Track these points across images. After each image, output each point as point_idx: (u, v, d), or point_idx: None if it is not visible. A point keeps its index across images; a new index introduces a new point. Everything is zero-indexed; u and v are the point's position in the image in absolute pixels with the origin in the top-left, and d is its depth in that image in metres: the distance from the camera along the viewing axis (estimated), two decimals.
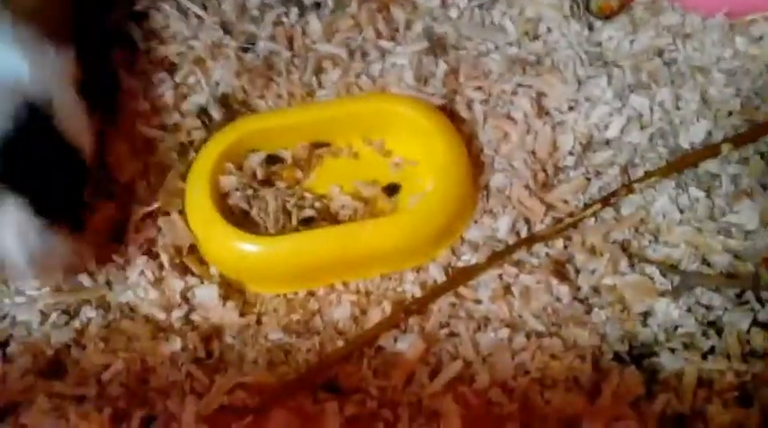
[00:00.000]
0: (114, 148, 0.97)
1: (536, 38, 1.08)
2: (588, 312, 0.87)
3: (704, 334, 0.85)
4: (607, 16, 1.09)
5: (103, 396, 0.79)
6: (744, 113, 1.00)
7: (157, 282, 0.89)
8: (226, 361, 0.84)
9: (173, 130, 0.99)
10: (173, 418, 0.79)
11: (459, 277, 0.89)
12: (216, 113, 0.99)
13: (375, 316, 0.87)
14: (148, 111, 1.00)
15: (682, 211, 0.93)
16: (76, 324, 0.87)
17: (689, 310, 0.86)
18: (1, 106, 0.68)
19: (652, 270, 0.89)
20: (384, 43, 1.07)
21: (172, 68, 1.04)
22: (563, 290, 0.87)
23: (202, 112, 1.00)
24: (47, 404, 0.79)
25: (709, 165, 0.96)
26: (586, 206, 0.93)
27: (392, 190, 0.96)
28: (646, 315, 0.87)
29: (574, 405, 0.79)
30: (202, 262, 0.91)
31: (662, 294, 0.87)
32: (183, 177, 0.95)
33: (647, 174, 0.95)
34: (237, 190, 0.93)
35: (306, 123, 0.98)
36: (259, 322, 0.88)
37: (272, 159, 0.97)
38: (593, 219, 0.93)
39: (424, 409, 0.80)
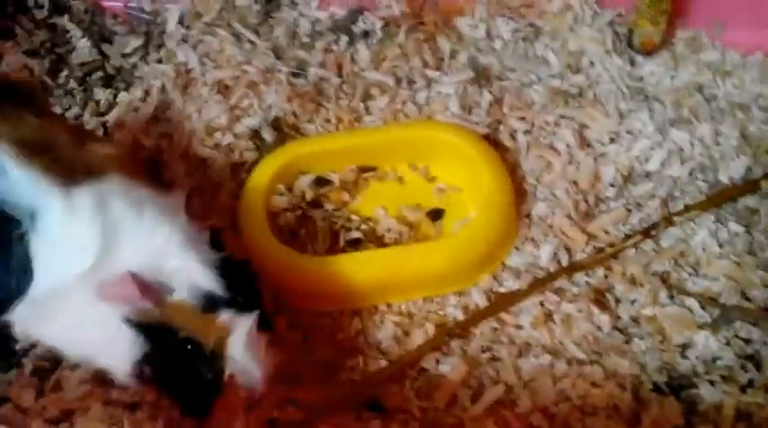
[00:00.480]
0: (171, 167, 1.01)
1: (578, 71, 1.11)
2: (628, 342, 0.88)
3: (743, 367, 0.86)
4: (649, 52, 1.11)
5: (157, 405, 0.82)
6: None
7: None
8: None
9: (226, 151, 1.03)
10: None
11: (500, 302, 0.91)
12: (268, 136, 1.03)
13: (417, 338, 0.89)
14: (203, 132, 1.04)
15: (721, 245, 0.95)
16: None
17: (728, 343, 0.88)
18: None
19: (691, 302, 0.90)
20: (430, 72, 1.10)
21: (226, 91, 1.08)
22: (603, 319, 0.88)
23: (255, 135, 1.03)
24: (101, 411, 0.82)
25: (749, 201, 0.98)
26: (627, 237, 0.95)
27: (436, 215, 0.99)
28: (685, 346, 0.88)
29: None
30: None
31: (701, 326, 0.88)
32: (235, 196, 0.98)
33: (687, 208, 0.97)
34: (287, 210, 0.96)
35: (353, 147, 1.01)
36: (305, 338, 0.90)
37: (321, 181, 1.00)
38: (633, 250, 0.95)
39: None
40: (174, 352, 0.69)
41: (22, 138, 0.70)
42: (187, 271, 0.70)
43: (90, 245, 0.67)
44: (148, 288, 0.67)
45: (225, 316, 0.70)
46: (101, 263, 0.67)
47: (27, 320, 0.71)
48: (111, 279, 0.67)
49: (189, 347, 0.69)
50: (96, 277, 0.67)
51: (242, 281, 0.72)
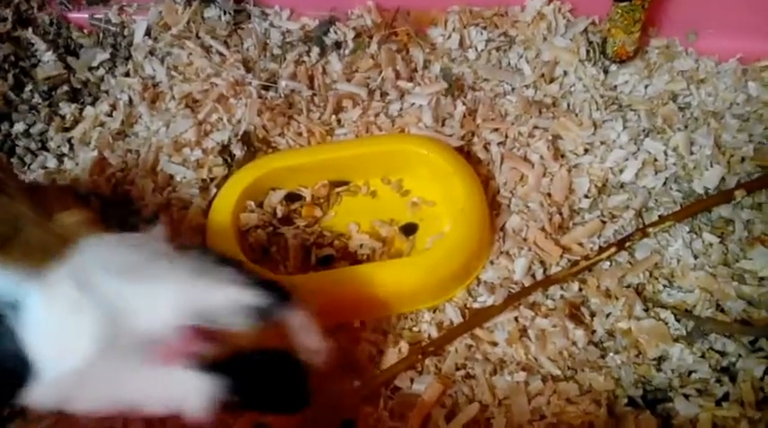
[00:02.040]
0: (138, 183, 0.99)
1: (552, 80, 1.10)
2: (603, 356, 0.87)
3: (718, 380, 0.85)
4: (622, 60, 1.10)
5: None
6: (757, 159, 1.01)
7: None
8: None
9: (194, 166, 1.01)
10: None
11: (475, 318, 0.90)
12: (237, 151, 1.01)
13: (391, 356, 0.87)
14: (171, 148, 1.02)
15: (696, 256, 0.94)
16: None
17: (703, 356, 0.87)
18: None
19: (666, 314, 0.90)
20: (403, 83, 1.09)
21: (195, 105, 1.06)
22: (578, 334, 0.88)
23: (224, 150, 1.01)
24: None
25: (723, 211, 0.98)
26: (601, 249, 0.94)
27: (409, 229, 0.97)
28: (660, 359, 0.87)
29: None
30: None
31: (676, 339, 0.88)
32: (205, 213, 0.96)
33: (662, 219, 0.96)
34: (258, 227, 0.94)
35: (325, 162, 0.99)
36: None
37: (292, 197, 0.99)
38: (607, 263, 0.94)
39: None
40: (259, 371, 0.69)
41: None
42: (218, 297, 0.67)
43: (90, 323, 0.64)
44: (202, 332, 0.65)
45: (276, 314, 0.69)
46: (117, 333, 0.64)
47: (54, 400, 0.67)
48: (161, 342, 0.65)
49: (270, 359, 0.69)
50: (123, 345, 0.64)
51: (259, 277, 0.71)
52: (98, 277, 0.66)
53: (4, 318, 0.64)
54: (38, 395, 0.65)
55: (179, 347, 0.65)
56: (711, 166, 1.01)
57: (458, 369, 0.87)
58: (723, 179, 1.00)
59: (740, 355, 0.86)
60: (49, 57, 1.14)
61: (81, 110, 1.09)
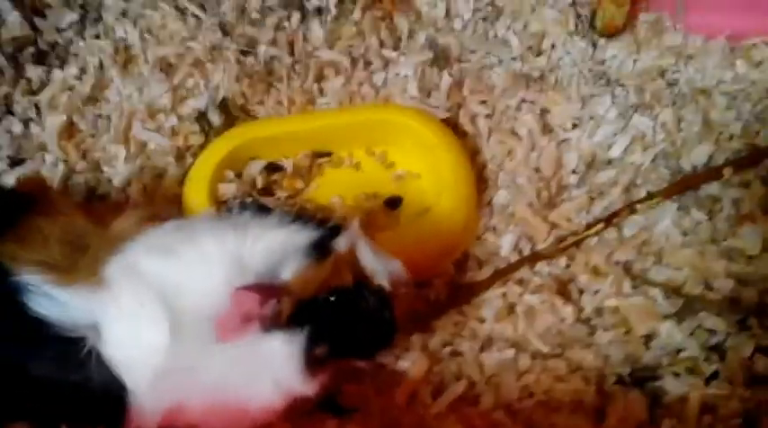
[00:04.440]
0: (108, 150, 0.94)
1: (540, 53, 1.08)
2: (592, 333, 0.86)
3: (707, 358, 0.84)
4: (611, 34, 1.08)
5: None
6: (744, 137, 1.00)
7: None
8: None
9: (169, 134, 0.96)
10: None
11: (462, 294, 0.87)
12: (215, 118, 0.97)
13: None
14: (144, 114, 0.97)
15: (684, 234, 0.93)
16: None
17: (692, 334, 0.86)
18: None
19: (655, 292, 0.88)
20: (387, 52, 1.06)
21: (169, 70, 1.01)
22: (567, 311, 0.86)
23: (201, 117, 0.97)
24: None
25: (711, 188, 0.96)
26: (589, 226, 0.93)
27: (394, 203, 0.94)
28: (648, 338, 0.86)
29: None
30: None
31: (665, 317, 0.87)
32: (180, 183, 0.92)
33: (650, 195, 0.95)
34: (236, 198, 0.90)
35: (307, 132, 0.96)
36: None
37: (273, 167, 0.95)
38: (595, 239, 0.92)
39: None
40: (338, 310, 0.65)
41: (53, 260, 0.65)
42: (269, 247, 0.64)
43: (154, 312, 0.62)
44: (264, 290, 0.62)
45: (339, 246, 0.66)
46: (180, 315, 0.62)
47: (157, 408, 0.65)
48: (221, 316, 0.61)
49: (345, 295, 0.65)
50: (191, 326, 0.62)
51: (305, 214, 0.69)
52: (144, 264, 0.64)
53: (85, 341, 0.63)
54: (141, 409, 0.63)
55: (245, 313, 0.61)
56: (700, 144, 1.00)
57: (445, 345, 0.84)
58: (711, 156, 0.99)
59: (729, 333, 0.85)
60: (14, 17, 1.07)
61: (48, 73, 1.04)
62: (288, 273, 0.63)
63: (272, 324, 0.62)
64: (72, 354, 0.62)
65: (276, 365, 0.64)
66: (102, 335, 0.63)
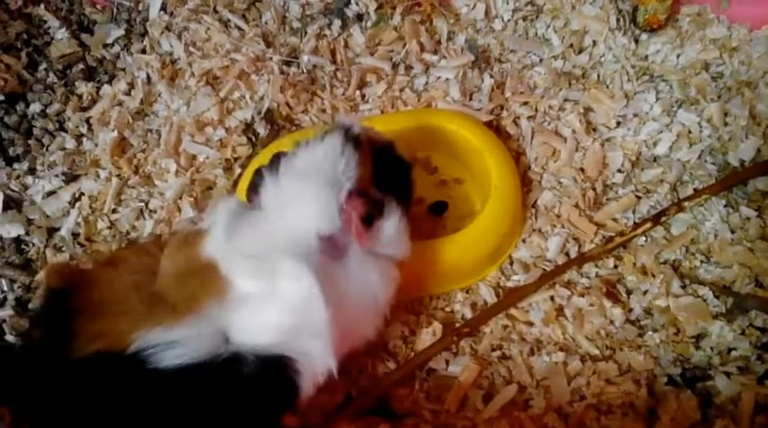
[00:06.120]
0: (160, 164, 0.97)
1: (581, 51, 1.07)
2: (641, 335, 0.86)
3: (759, 357, 0.84)
4: (654, 29, 1.07)
5: None
6: None
7: None
8: None
9: (218, 146, 0.98)
10: None
11: (509, 298, 0.88)
12: (261, 129, 0.98)
13: (425, 336, 0.86)
14: (193, 127, 0.99)
15: (733, 231, 0.92)
16: None
17: (743, 333, 0.85)
18: None
19: (705, 291, 0.88)
20: (428, 56, 1.06)
21: (215, 82, 1.03)
22: (616, 313, 0.86)
23: (247, 128, 0.99)
24: None
25: (759, 183, 0.95)
26: (636, 225, 0.92)
27: (439, 208, 0.95)
28: (699, 337, 0.86)
29: None
30: None
31: (715, 316, 0.86)
32: (229, 194, 0.94)
33: (697, 192, 0.94)
34: None
35: None
36: None
37: None
38: (643, 239, 0.92)
39: None
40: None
41: (141, 314, 0.64)
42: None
43: (299, 272, 0.66)
44: (356, 193, 0.69)
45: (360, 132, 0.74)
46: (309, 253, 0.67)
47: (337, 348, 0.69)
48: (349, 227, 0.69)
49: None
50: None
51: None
52: (234, 243, 0.67)
53: (219, 353, 0.64)
54: (324, 364, 0.67)
55: (361, 214, 0.69)
56: (747, 138, 0.98)
57: (494, 350, 0.85)
58: (759, 150, 0.98)
59: None
60: (62, 34, 1.10)
61: (98, 89, 1.06)
62: (350, 174, 0.70)
63: (378, 212, 0.72)
64: (223, 378, 0.63)
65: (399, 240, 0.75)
66: (242, 332, 0.64)
